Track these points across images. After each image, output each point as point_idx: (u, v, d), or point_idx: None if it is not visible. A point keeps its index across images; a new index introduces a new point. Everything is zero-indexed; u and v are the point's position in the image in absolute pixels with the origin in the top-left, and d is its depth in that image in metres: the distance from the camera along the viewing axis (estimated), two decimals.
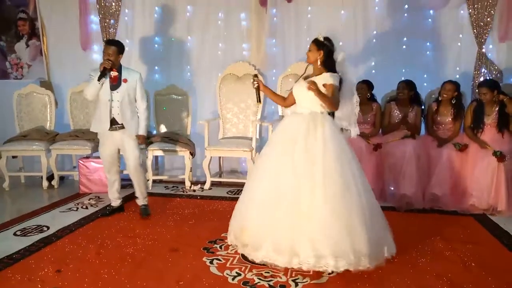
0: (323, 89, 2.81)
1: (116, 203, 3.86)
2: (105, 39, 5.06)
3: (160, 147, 4.66)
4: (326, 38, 2.94)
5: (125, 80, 3.55)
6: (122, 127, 3.58)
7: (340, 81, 2.91)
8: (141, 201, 3.81)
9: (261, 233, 2.69)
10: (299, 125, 2.84)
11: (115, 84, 3.52)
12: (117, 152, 3.74)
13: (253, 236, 2.74)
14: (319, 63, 2.91)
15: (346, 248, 2.52)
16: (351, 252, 2.52)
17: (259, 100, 3.11)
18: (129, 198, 4.22)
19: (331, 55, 2.93)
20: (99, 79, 3.42)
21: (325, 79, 2.86)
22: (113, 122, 3.55)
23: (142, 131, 3.68)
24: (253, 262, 2.73)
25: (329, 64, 2.92)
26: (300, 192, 2.65)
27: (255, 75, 3.13)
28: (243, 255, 2.86)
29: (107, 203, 4.06)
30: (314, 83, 2.78)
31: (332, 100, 2.82)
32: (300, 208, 2.62)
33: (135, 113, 3.64)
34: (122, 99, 3.54)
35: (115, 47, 3.51)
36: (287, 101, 3.18)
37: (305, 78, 3.00)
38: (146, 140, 3.96)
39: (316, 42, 2.93)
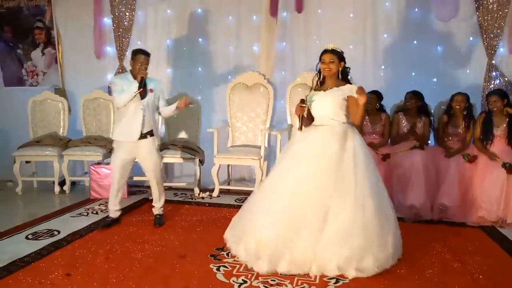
0: (341, 102, 2.87)
1: (116, 214, 3.76)
2: (118, 48, 5.17)
3: (170, 154, 4.71)
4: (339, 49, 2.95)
5: (152, 90, 3.59)
6: (146, 136, 3.58)
7: (380, 96, 2.96)
8: (158, 210, 3.81)
9: (280, 247, 2.68)
10: (330, 136, 2.82)
11: (143, 94, 3.53)
12: (132, 162, 3.70)
13: (270, 249, 2.70)
14: (338, 74, 2.92)
15: (369, 263, 2.63)
16: (373, 265, 2.63)
17: (301, 128, 3.04)
18: (138, 205, 4.29)
19: (347, 67, 2.98)
20: (140, 88, 3.41)
21: (350, 91, 2.85)
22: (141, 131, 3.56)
23: (175, 104, 3.69)
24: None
25: (345, 76, 2.95)
26: (328, 209, 2.66)
27: (302, 100, 2.98)
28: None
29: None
30: (361, 90, 2.72)
31: (361, 114, 2.84)
32: (326, 225, 2.64)
33: (157, 121, 3.75)
34: (150, 108, 3.59)
35: (148, 56, 3.56)
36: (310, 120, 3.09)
37: (315, 90, 3.02)
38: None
39: (336, 53, 2.91)
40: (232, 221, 3.19)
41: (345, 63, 2.94)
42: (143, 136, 3.56)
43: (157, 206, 3.80)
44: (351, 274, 2.62)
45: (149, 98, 3.57)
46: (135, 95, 3.44)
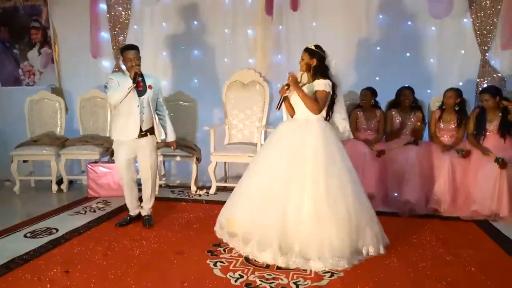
0: (308, 93, 3.04)
1: (135, 212, 3.72)
2: (114, 47, 5.19)
3: (167, 152, 4.74)
4: (317, 46, 3.11)
5: (150, 87, 3.48)
6: (146, 134, 3.52)
7: (334, 87, 3.07)
8: (147, 211, 3.71)
9: (250, 226, 2.92)
10: (292, 131, 3.03)
11: (141, 90, 3.43)
12: (134, 160, 3.62)
13: (243, 227, 2.96)
14: (312, 70, 3.09)
15: (327, 250, 2.74)
16: (339, 252, 2.75)
17: (279, 107, 3.20)
18: None
19: (323, 62, 3.09)
20: (134, 84, 3.32)
21: (317, 85, 3.04)
22: (140, 129, 3.47)
23: (174, 136, 3.72)
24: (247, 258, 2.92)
25: (322, 71, 3.08)
26: (289, 194, 2.84)
27: (288, 85, 3.11)
28: (246, 258, 2.92)
29: (115, 207, 4.15)
30: (293, 76, 3.00)
31: (312, 102, 3.00)
32: (288, 210, 2.81)
33: (158, 119, 3.66)
34: (149, 105, 3.50)
35: (138, 51, 3.43)
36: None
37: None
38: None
39: (308, 51, 3.10)
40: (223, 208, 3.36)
41: (319, 59, 3.07)
42: (143, 134, 3.50)
43: (147, 207, 3.70)
44: (314, 266, 2.73)
45: (148, 95, 3.47)
46: (129, 91, 3.33)
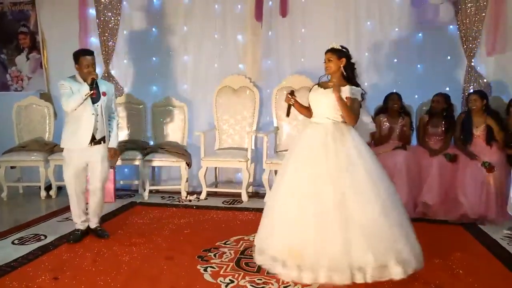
0: (335, 103, 2.72)
1: (84, 225, 3.52)
2: (104, 52, 5.17)
3: (157, 157, 4.73)
4: (342, 46, 2.85)
5: (104, 94, 3.38)
6: (100, 142, 3.40)
7: (362, 96, 2.80)
8: (95, 223, 3.54)
9: (315, 251, 2.49)
10: (325, 134, 2.72)
11: (95, 97, 3.31)
12: (86, 170, 3.45)
13: (309, 255, 2.49)
14: (340, 73, 2.81)
15: (405, 252, 2.49)
16: (411, 255, 2.50)
17: (288, 115, 3.04)
18: (125, 208, 4.30)
19: (351, 63, 2.84)
20: (91, 90, 3.21)
21: (346, 92, 2.73)
22: (92, 137, 3.35)
23: (115, 144, 3.53)
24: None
25: (351, 75, 2.82)
26: (346, 202, 2.52)
27: (292, 92, 2.99)
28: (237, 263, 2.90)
29: (103, 213, 4.08)
30: (338, 87, 2.68)
31: (354, 115, 2.73)
32: (349, 219, 2.49)
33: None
34: (103, 112, 3.38)
35: (93, 56, 3.34)
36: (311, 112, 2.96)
37: (320, 85, 2.90)
38: (118, 154, 3.74)
39: (334, 51, 2.81)
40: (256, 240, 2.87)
41: (348, 59, 2.82)
42: (96, 142, 3.37)
43: (95, 219, 3.54)
44: (395, 272, 2.46)
45: (102, 102, 3.36)
46: (86, 98, 3.23)
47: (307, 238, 2.52)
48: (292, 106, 2.98)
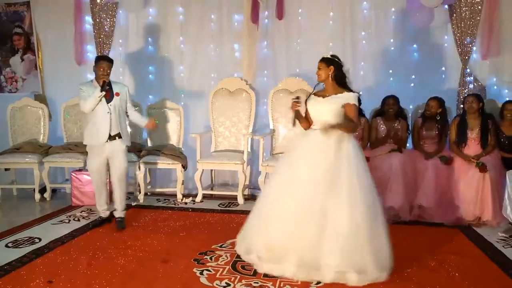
0: (338, 110, 2.89)
1: (105, 214, 3.93)
2: (99, 54, 5.15)
3: (152, 160, 4.71)
4: (333, 55, 3.01)
5: (117, 94, 3.77)
6: (115, 138, 3.74)
7: (359, 100, 2.94)
8: (119, 213, 3.86)
9: (284, 247, 2.74)
10: (324, 142, 2.86)
11: (108, 98, 3.70)
12: (107, 164, 3.83)
13: (276, 251, 2.76)
14: (330, 80, 2.96)
15: (369, 264, 2.65)
16: (375, 268, 2.66)
17: (294, 124, 3.10)
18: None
19: (341, 70, 2.98)
20: (102, 91, 3.58)
21: (347, 98, 2.90)
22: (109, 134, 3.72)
23: (145, 119, 4.13)
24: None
25: (341, 80, 2.97)
26: (326, 209, 2.70)
27: (298, 97, 3.07)
28: (233, 267, 2.91)
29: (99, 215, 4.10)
30: (327, 128, 2.82)
31: (352, 125, 2.89)
32: (326, 225, 2.68)
33: (126, 124, 3.90)
34: (117, 111, 3.75)
35: (110, 63, 3.71)
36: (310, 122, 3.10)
37: (316, 95, 3.04)
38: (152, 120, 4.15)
39: (324, 60, 2.99)
40: (239, 236, 3.15)
41: (336, 66, 2.95)
42: (112, 138, 3.72)
43: (120, 208, 3.85)
44: (351, 279, 2.65)
45: (115, 102, 3.74)
46: (100, 99, 3.61)
47: (282, 235, 2.75)
48: (297, 114, 3.07)
